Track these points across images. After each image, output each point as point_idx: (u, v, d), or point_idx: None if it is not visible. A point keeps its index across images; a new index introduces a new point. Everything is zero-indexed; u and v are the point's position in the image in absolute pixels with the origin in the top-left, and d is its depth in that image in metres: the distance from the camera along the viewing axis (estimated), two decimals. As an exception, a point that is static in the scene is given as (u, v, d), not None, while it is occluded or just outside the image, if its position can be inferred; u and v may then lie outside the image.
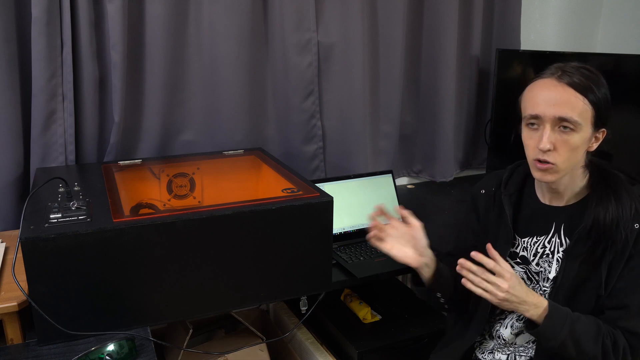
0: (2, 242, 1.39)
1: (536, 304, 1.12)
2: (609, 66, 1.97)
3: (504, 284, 1.10)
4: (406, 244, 1.30)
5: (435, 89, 2.12)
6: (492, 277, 1.12)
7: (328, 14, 1.84)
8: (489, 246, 1.15)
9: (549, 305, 1.12)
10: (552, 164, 1.10)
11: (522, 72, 2.12)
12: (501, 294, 1.11)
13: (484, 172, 2.36)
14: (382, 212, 1.31)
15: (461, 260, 1.16)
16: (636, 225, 1.11)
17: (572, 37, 2.44)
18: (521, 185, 1.28)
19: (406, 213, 1.31)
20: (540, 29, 2.38)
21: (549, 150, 1.09)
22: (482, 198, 1.33)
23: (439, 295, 1.33)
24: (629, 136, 1.91)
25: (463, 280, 1.16)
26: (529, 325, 1.16)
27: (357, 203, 1.74)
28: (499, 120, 2.16)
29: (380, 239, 1.31)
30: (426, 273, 1.30)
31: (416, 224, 1.29)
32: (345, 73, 1.89)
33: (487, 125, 2.31)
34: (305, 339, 1.66)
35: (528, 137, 1.14)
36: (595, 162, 1.18)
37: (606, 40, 2.50)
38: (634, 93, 1.90)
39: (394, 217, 1.32)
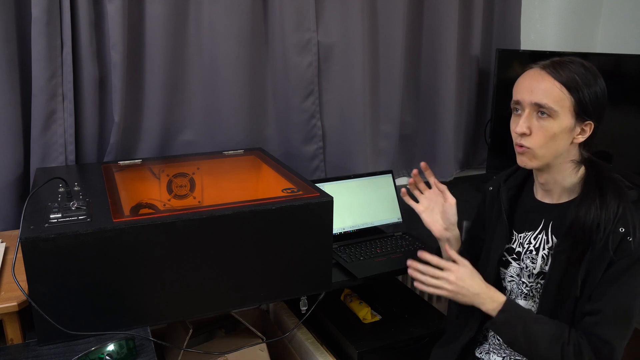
0: (2, 242, 1.39)
1: (492, 298, 1.16)
2: (609, 66, 1.97)
3: (451, 276, 1.15)
4: (437, 213, 1.33)
5: (435, 89, 2.12)
6: (439, 272, 1.17)
7: (328, 14, 1.84)
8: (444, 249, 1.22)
9: (507, 301, 1.15)
10: (528, 147, 1.13)
11: (522, 72, 2.11)
12: (449, 286, 1.16)
13: (484, 172, 2.36)
14: (426, 168, 1.36)
15: (409, 262, 1.22)
16: (621, 229, 1.08)
17: (572, 37, 2.44)
18: (522, 182, 1.30)
19: (443, 187, 1.33)
20: (540, 29, 2.38)
21: (524, 134, 1.13)
22: (489, 194, 1.36)
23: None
24: (629, 136, 1.91)
25: (415, 283, 1.21)
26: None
27: (357, 203, 1.74)
28: (499, 120, 2.16)
29: (415, 198, 1.35)
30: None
31: (452, 199, 1.31)
32: (345, 73, 1.89)
33: (487, 125, 2.31)
34: (305, 339, 1.66)
35: (512, 123, 1.18)
36: (595, 162, 1.18)
37: (606, 40, 2.50)
38: (634, 93, 1.90)
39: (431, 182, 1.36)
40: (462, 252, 1.31)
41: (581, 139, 1.14)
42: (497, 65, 2.11)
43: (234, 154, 1.72)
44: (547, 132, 1.12)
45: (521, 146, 1.15)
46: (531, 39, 2.36)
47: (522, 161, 1.17)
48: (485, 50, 2.26)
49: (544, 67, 1.14)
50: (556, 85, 1.11)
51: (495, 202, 1.32)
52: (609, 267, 1.09)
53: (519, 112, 1.16)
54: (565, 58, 1.15)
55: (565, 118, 1.11)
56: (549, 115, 1.11)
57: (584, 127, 1.13)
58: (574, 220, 1.12)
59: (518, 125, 1.14)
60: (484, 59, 2.27)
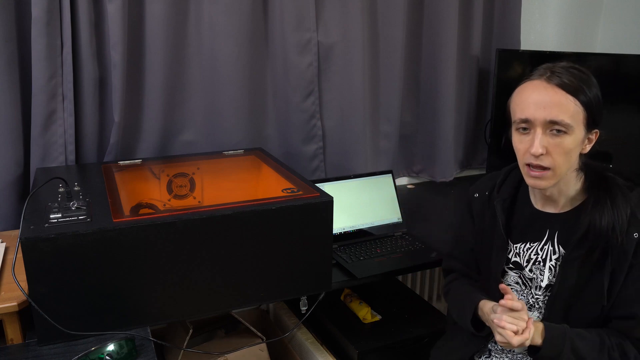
0: (2, 242, 1.39)
1: (537, 328, 1.10)
2: (609, 66, 1.97)
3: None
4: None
5: (435, 89, 2.12)
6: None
7: (328, 14, 1.84)
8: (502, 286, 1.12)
9: (544, 327, 1.10)
10: (548, 168, 1.07)
11: (522, 72, 2.12)
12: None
13: (484, 172, 2.36)
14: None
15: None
16: (635, 235, 1.07)
17: (572, 37, 2.44)
18: (515, 190, 1.26)
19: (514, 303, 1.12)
20: (540, 29, 2.38)
21: (541, 154, 1.06)
22: (476, 202, 1.31)
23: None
24: (629, 136, 1.91)
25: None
26: (530, 350, 1.14)
27: (357, 203, 1.74)
28: (499, 120, 2.16)
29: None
30: None
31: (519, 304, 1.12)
32: (345, 73, 1.89)
33: (487, 125, 2.31)
34: (305, 339, 1.66)
35: (519, 142, 1.11)
36: (592, 165, 1.15)
37: (606, 40, 2.50)
38: (634, 93, 1.90)
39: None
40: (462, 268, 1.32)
41: (588, 148, 1.12)
42: (497, 65, 2.11)
43: (234, 154, 1.72)
44: (564, 148, 1.06)
45: (539, 167, 1.08)
46: (531, 39, 2.36)
47: (537, 184, 1.10)
48: (485, 50, 2.26)
49: (549, 79, 1.06)
50: (570, 99, 1.05)
51: (486, 211, 1.28)
52: (630, 273, 1.08)
53: (527, 130, 1.08)
54: (559, 64, 1.09)
55: (579, 131, 1.07)
56: (565, 132, 1.05)
57: (591, 136, 1.11)
58: (591, 226, 1.09)
59: (533, 147, 1.06)
60: (484, 59, 2.27)
